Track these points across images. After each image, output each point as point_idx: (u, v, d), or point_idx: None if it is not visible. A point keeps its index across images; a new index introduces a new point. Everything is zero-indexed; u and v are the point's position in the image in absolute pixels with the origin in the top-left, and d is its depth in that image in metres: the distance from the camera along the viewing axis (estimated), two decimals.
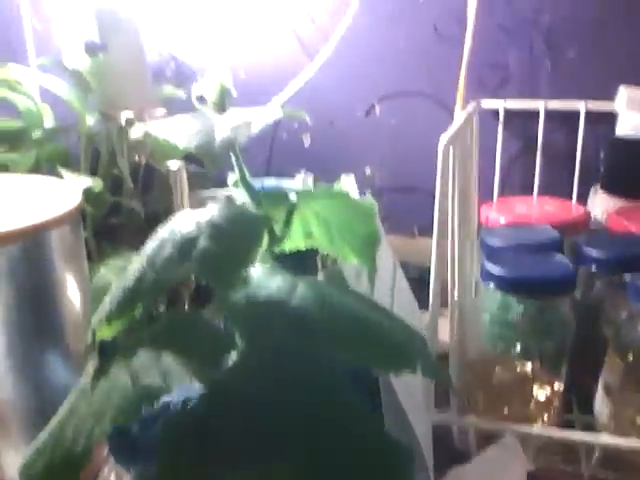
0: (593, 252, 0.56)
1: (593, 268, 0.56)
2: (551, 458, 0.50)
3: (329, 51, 0.83)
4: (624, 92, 0.74)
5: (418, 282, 0.50)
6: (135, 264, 0.28)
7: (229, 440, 0.22)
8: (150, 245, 0.29)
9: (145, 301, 0.27)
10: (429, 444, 0.46)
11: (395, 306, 0.51)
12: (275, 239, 0.34)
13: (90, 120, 0.71)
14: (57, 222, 0.47)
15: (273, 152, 0.88)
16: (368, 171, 0.88)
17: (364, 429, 0.23)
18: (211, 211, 0.30)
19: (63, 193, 0.52)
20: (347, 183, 0.69)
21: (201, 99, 0.37)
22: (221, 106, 0.37)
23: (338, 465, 0.21)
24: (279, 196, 0.35)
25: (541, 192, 0.79)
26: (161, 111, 0.71)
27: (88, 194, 0.62)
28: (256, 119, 0.32)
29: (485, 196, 0.78)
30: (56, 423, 0.27)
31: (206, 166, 0.29)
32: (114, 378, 0.27)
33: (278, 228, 0.34)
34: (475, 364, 0.54)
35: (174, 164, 0.61)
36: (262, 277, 0.28)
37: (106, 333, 0.29)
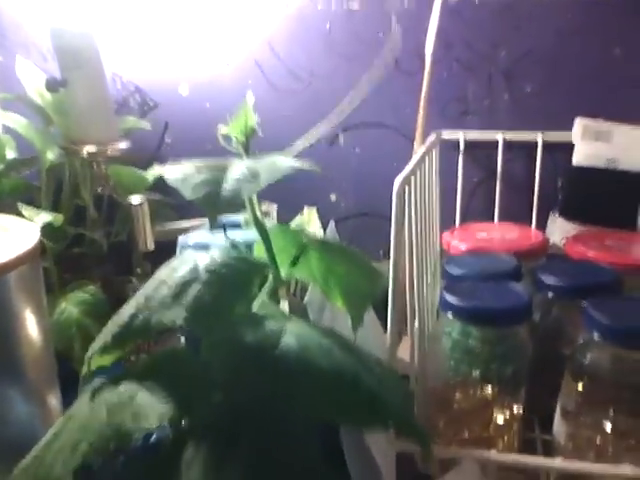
0: (550, 279, 0.58)
1: (550, 295, 0.58)
2: (514, 476, 0.51)
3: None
4: (580, 123, 0.77)
5: (384, 305, 0.51)
6: (133, 301, 0.29)
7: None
8: (150, 284, 0.29)
9: (137, 338, 0.28)
10: (391, 470, 0.47)
11: (360, 334, 0.51)
12: (280, 280, 0.34)
13: (51, 155, 0.70)
14: (16, 263, 0.47)
15: None
16: (333, 198, 0.89)
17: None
18: (212, 254, 0.30)
19: (21, 232, 0.52)
20: (309, 216, 0.69)
21: (227, 139, 0.38)
22: (247, 147, 0.38)
23: None
24: (292, 235, 0.36)
25: (501, 218, 0.81)
26: (124, 144, 0.72)
27: (49, 228, 0.62)
28: (267, 172, 0.32)
29: (447, 222, 0.79)
30: (42, 445, 0.27)
31: (208, 217, 0.29)
32: (94, 410, 0.27)
33: (284, 262, 0.35)
34: (435, 389, 0.54)
35: (135, 198, 0.61)
36: (255, 320, 0.28)
37: (100, 363, 0.29)
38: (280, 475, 0.22)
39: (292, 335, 0.27)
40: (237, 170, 0.31)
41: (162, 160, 0.84)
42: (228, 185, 0.29)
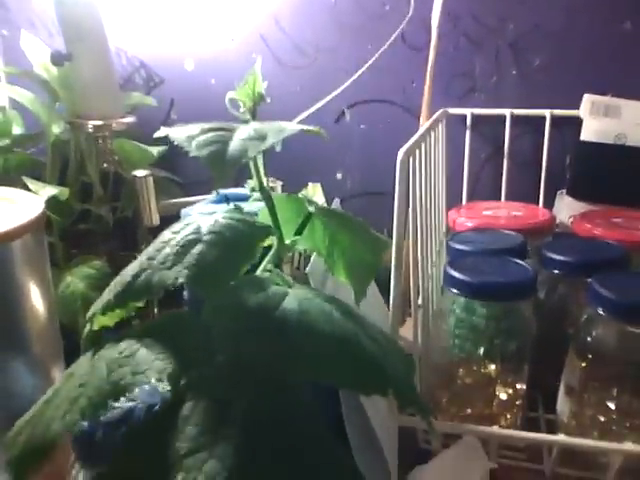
0: (556, 256, 0.57)
1: (555, 272, 0.57)
2: (515, 455, 0.51)
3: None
4: (588, 99, 0.76)
5: (389, 285, 0.51)
6: (136, 261, 0.29)
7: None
8: (153, 245, 0.29)
9: (139, 298, 0.28)
10: (394, 444, 0.47)
11: (364, 312, 0.51)
12: (284, 247, 0.34)
13: (57, 129, 0.70)
14: (19, 232, 0.47)
15: None
16: (339, 176, 0.88)
17: (316, 451, 0.23)
18: (216, 216, 0.30)
19: (26, 203, 0.52)
20: (314, 191, 0.69)
21: (234, 104, 0.37)
22: (254, 112, 0.38)
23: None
24: (297, 203, 0.36)
25: (508, 197, 0.80)
26: (129, 118, 0.71)
27: (54, 202, 0.62)
28: (273, 133, 0.32)
29: (454, 200, 0.79)
30: (42, 402, 0.28)
31: (214, 176, 0.29)
32: (94, 366, 0.27)
33: (289, 231, 0.35)
34: (439, 366, 0.54)
35: (140, 171, 0.61)
36: (257, 283, 0.28)
37: (103, 323, 0.29)
38: (275, 436, 0.22)
39: (294, 299, 0.27)
40: (244, 131, 0.31)
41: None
42: (234, 144, 0.29)
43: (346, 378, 0.24)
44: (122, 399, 0.48)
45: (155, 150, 0.68)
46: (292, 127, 0.31)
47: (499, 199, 0.81)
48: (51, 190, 0.60)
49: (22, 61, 0.76)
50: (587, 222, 0.67)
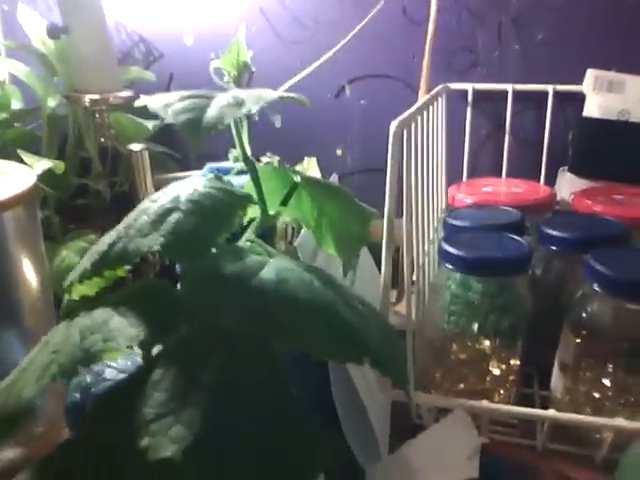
0: (553, 232, 0.56)
1: (553, 248, 0.57)
2: (508, 431, 0.51)
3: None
4: (591, 74, 0.74)
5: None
6: (114, 230, 0.29)
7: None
8: (132, 214, 0.29)
9: (114, 265, 0.27)
10: (386, 419, 0.47)
11: (357, 287, 0.51)
12: (268, 217, 0.34)
13: (52, 102, 0.70)
14: (10, 203, 0.47)
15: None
16: (339, 152, 0.88)
17: (287, 420, 0.23)
18: (195, 185, 0.30)
19: (19, 176, 0.51)
20: (309, 165, 0.69)
21: (219, 73, 0.37)
22: (239, 80, 0.37)
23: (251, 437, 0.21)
24: (283, 174, 0.36)
25: (510, 174, 0.79)
26: (127, 92, 0.71)
27: (50, 176, 0.62)
28: (252, 100, 0.32)
29: (454, 177, 0.78)
30: (18, 369, 0.28)
31: (189, 143, 0.28)
32: (67, 334, 0.27)
33: (273, 202, 0.35)
34: (433, 342, 0.54)
35: (136, 145, 0.61)
36: (236, 252, 0.28)
37: (82, 292, 0.29)
38: (245, 404, 0.21)
39: (272, 268, 0.26)
40: (222, 98, 0.30)
41: None
42: (211, 111, 0.29)
43: (321, 345, 0.24)
44: (114, 372, 0.48)
45: (151, 124, 0.68)
46: (271, 94, 0.31)
47: (500, 176, 0.80)
48: (46, 163, 0.59)
49: (22, 37, 0.76)
50: (587, 199, 0.66)
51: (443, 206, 0.74)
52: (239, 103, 0.29)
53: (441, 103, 0.71)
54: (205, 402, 0.20)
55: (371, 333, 0.26)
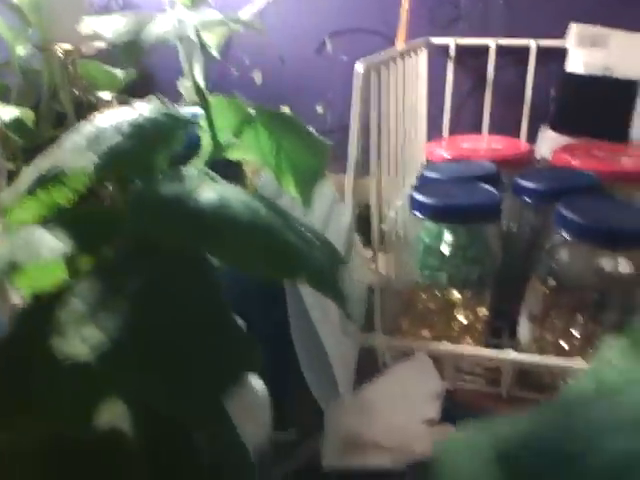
0: (527, 184, 0.56)
1: (527, 199, 0.56)
2: (473, 379, 0.51)
3: None
4: (575, 29, 0.73)
5: (366, 220, 0.50)
6: (51, 152, 0.28)
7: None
8: (72, 135, 0.28)
9: (49, 185, 0.27)
10: (350, 364, 0.47)
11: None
12: (219, 147, 0.33)
13: (22, 51, 0.69)
14: None
15: (223, 90, 0.86)
16: (320, 109, 0.86)
17: (213, 330, 0.22)
18: (139, 110, 0.29)
19: None
20: None
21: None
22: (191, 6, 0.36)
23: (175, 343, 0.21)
24: (237, 106, 0.35)
25: (491, 131, 0.79)
26: (99, 43, 0.69)
27: (19, 126, 0.61)
28: (200, 23, 0.31)
29: (435, 134, 0.77)
30: None
31: (123, 60, 0.27)
32: None
33: (226, 136, 0.34)
34: (402, 292, 0.54)
35: (106, 94, 0.60)
36: (178, 176, 0.28)
37: (20, 217, 0.29)
38: (170, 312, 0.21)
39: (214, 191, 0.26)
40: (165, 19, 0.29)
41: (143, 63, 0.82)
42: (149, 31, 0.28)
43: (255, 259, 0.23)
44: None
45: (121, 74, 0.66)
46: (216, 15, 0.30)
47: (482, 133, 0.79)
48: (13, 111, 0.58)
49: None
50: (566, 153, 0.65)
51: (422, 162, 0.74)
52: (183, 26, 0.29)
53: (422, 57, 0.70)
54: (127, 310, 0.20)
55: (314, 254, 0.25)
